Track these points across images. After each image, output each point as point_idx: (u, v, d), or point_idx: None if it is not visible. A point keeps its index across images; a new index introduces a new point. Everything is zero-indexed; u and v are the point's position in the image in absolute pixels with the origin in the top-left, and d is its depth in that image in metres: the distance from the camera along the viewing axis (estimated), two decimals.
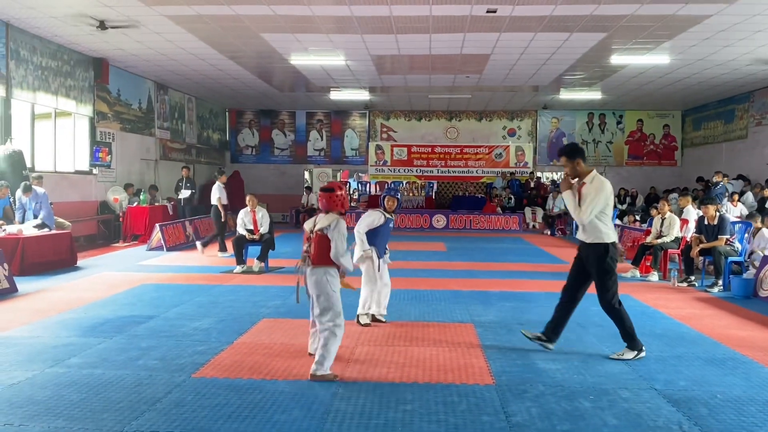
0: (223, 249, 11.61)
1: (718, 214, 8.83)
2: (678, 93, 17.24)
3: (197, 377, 4.47)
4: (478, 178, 21.57)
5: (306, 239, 4.64)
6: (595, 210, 4.95)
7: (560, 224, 17.51)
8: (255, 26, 10.72)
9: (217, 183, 11.66)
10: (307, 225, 4.69)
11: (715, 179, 15.18)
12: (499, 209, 19.27)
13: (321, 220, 4.57)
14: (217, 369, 4.67)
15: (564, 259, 11.69)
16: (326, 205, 4.64)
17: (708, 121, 19.29)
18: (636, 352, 5.03)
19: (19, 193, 10.07)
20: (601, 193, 4.98)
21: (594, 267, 5.04)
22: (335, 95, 18.24)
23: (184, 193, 15.20)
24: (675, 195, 16.00)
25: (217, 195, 11.43)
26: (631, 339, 5.05)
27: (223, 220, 11.50)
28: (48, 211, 10.27)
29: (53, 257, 9.62)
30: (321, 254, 4.51)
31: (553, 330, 5.29)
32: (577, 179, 5.17)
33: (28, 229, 9.58)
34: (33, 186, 10.17)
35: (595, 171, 5.18)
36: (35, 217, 10.14)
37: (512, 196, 19.89)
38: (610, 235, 5.04)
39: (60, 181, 12.39)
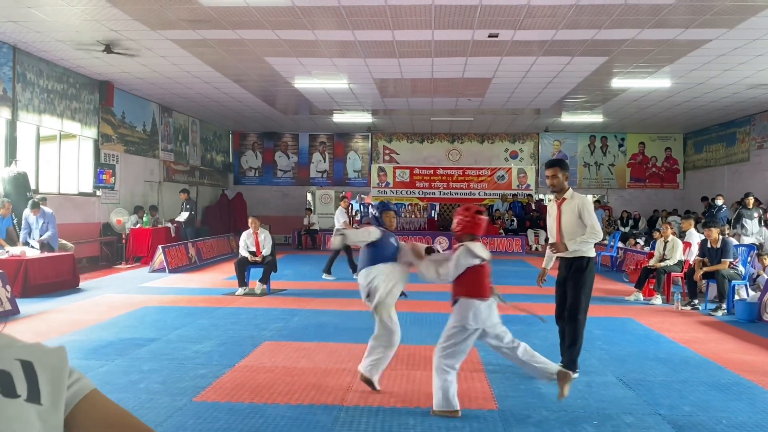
0: (328, 271, 11.73)
1: (721, 237, 8.83)
2: (679, 116, 17.32)
3: (198, 401, 4.45)
4: (481, 200, 21.56)
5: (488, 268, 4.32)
6: (597, 223, 5.13)
7: None
8: (259, 50, 10.84)
9: (340, 207, 12.34)
10: (486, 252, 4.31)
11: (718, 202, 15.17)
12: (501, 231, 19.27)
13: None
14: (218, 392, 4.65)
15: None
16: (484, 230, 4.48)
17: (710, 144, 19.35)
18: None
19: (26, 211, 10.13)
20: (591, 206, 5.17)
21: (574, 280, 5.13)
22: (338, 118, 18.36)
23: (183, 216, 15.29)
24: (675, 218, 15.97)
25: (341, 219, 12.07)
26: (574, 360, 5.15)
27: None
28: (54, 232, 10.32)
29: (56, 279, 9.63)
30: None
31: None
32: (555, 194, 5.33)
33: (31, 250, 9.61)
34: (41, 205, 10.25)
35: (570, 188, 5.32)
36: (41, 236, 10.18)
37: (515, 218, 19.90)
38: (593, 250, 5.19)
39: (63, 202, 12.44)
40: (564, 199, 5.25)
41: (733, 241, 9.44)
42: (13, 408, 0.86)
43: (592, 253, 5.18)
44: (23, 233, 10.29)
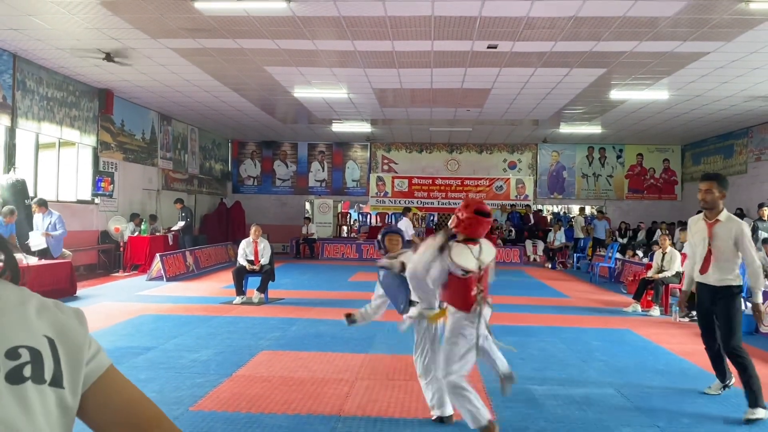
0: None
1: None
2: (677, 128, 17.38)
3: (195, 410, 4.43)
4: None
5: (478, 278, 3.79)
6: (756, 255, 4.67)
7: (561, 257, 17.49)
8: (259, 59, 10.88)
9: (405, 219, 12.77)
10: (471, 262, 3.76)
11: None
12: (499, 242, 19.27)
13: (486, 252, 3.84)
14: (215, 402, 4.63)
15: (565, 293, 11.65)
16: (483, 233, 3.87)
17: (707, 156, 19.41)
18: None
19: (36, 215, 10.33)
20: (750, 234, 4.66)
21: (724, 311, 4.67)
22: (337, 127, 18.40)
23: (179, 224, 15.34)
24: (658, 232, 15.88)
25: (411, 231, 12.47)
26: (755, 394, 4.55)
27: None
28: (63, 232, 10.48)
29: (53, 287, 9.58)
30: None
31: (722, 373, 5.05)
32: (706, 213, 4.78)
33: (29, 258, 9.59)
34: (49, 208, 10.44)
35: (725, 209, 4.77)
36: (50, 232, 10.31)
37: (513, 229, 19.91)
38: (740, 277, 4.77)
39: (62, 210, 12.32)
40: (718, 220, 4.71)
41: None
42: (39, 395, 0.86)
43: (740, 281, 4.77)
44: (32, 234, 10.37)
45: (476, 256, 3.77)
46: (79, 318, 0.99)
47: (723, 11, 8.02)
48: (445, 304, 4.00)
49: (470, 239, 3.81)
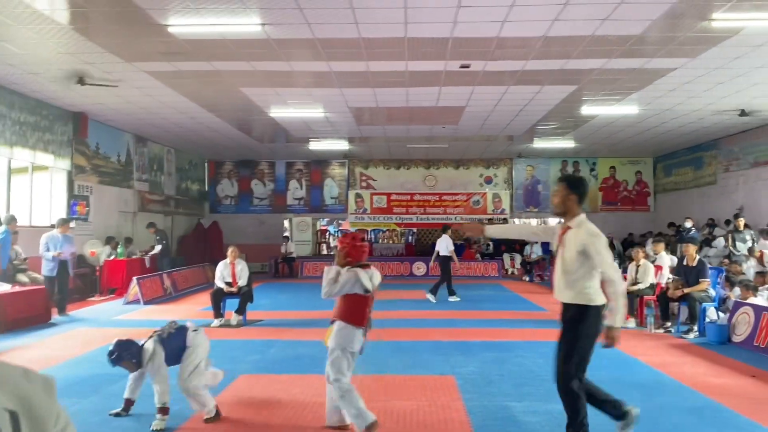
0: (452, 293, 12.81)
1: (697, 256, 9.00)
2: (648, 141, 17.72)
3: None
4: (458, 225, 21.71)
5: (371, 299, 4.53)
6: (611, 266, 3.94)
7: (538, 270, 17.66)
8: (235, 81, 10.90)
9: (445, 235, 13.21)
10: (369, 283, 4.46)
11: (687, 224, 15.49)
12: (477, 256, 19.42)
13: (376, 278, 4.55)
14: (195, 428, 4.60)
15: (543, 306, 11.76)
16: (365, 257, 4.66)
17: (678, 168, 19.80)
18: (623, 422, 4.11)
19: (54, 232, 10.73)
20: (601, 241, 3.97)
21: (566, 333, 3.99)
22: (314, 145, 18.43)
23: (157, 248, 15.24)
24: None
25: (451, 248, 13.09)
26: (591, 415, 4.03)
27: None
28: (74, 252, 11.11)
29: (27, 313, 9.45)
30: None
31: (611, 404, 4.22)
32: (560, 220, 4.26)
33: (2, 285, 9.45)
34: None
35: (584, 215, 4.11)
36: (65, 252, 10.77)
37: (490, 243, 20.08)
38: (600, 296, 3.97)
39: (36, 235, 12.17)
40: (568, 227, 4.06)
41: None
42: None
43: (599, 300, 3.93)
44: (43, 250, 10.59)
45: (370, 279, 4.44)
46: (47, 388, 0.94)
47: (687, 29, 8.25)
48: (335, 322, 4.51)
49: (362, 265, 4.49)
